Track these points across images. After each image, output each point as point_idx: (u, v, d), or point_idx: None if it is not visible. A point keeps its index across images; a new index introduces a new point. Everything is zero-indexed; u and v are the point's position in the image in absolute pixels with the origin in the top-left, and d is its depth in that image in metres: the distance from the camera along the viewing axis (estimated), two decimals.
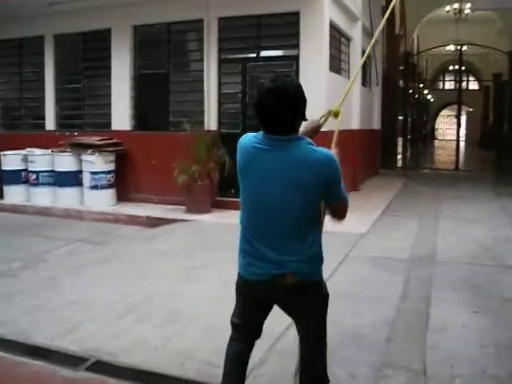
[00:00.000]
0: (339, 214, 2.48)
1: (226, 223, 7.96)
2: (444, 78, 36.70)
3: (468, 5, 19.09)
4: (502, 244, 6.82)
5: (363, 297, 4.80)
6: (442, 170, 17.52)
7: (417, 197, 11.02)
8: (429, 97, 33.93)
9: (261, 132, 2.40)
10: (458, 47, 23.13)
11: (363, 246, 6.71)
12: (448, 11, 19.78)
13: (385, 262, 5.95)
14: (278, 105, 2.28)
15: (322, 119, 2.99)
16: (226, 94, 9.20)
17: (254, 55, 9.02)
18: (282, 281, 2.37)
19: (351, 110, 11.02)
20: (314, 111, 8.23)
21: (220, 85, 9.17)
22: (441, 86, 37.27)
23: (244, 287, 2.54)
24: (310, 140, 2.39)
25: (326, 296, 2.58)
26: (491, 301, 4.64)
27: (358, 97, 11.33)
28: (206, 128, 9.09)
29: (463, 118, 39.51)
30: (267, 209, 2.37)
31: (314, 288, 2.48)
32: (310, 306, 2.50)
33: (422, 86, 27.21)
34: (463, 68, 31.31)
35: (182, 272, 5.61)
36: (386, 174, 15.01)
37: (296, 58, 8.64)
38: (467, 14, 19.75)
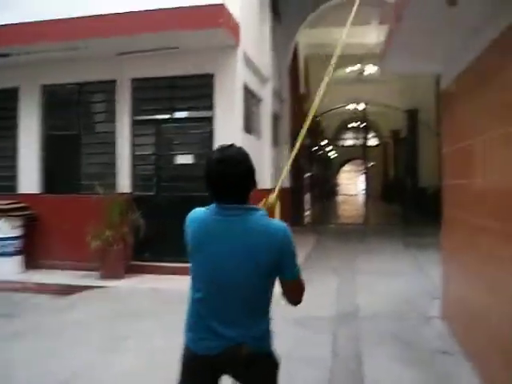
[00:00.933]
0: (295, 293, 2.49)
1: (143, 288, 7.87)
2: (345, 134, 38.66)
3: (368, 66, 20.56)
4: (419, 296, 7.23)
5: (294, 359, 4.86)
6: (351, 225, 18.25)
7: (331, 252, 11.42)
8: (331, 153, 35.54)
9: (212, 205, 2.43)
10: (360, 106, 24.72)
11: (286, 305, 6.82)
12: (349, 72, 21.16)
13: (310, 321, 6.10)
14: (230, 174, 2.34)
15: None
16: (140, 155, 9.22)
17: (168, 116, 9.13)
18: (236, 352, 2.37)
19: (263, 170, 11.34)
20: None
21: (133, 146, 9.18)
22: (342, 143, 39.15)
23: (194, 362, 2.49)
24: (264, 211, 2.44)
25: (278, 365, 2.62)
26: (420, 353, 4.90)
27: (269, 157, 11.73)
28: (118, 191, 9.00)
29: (364, 173, 41.64)
30: (222, 284, 2.37)
31: (267, 359, 2.52)
32: (263, 376, 2.53)
33: (324, 143, 28.50)
34: (364, 125, 33.34)
35: (105, 343, 5.44)
36: (296, 230, 15.38)
37: (210, 120, 8.85)
38: (368, 74, 21.21)
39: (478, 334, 4.60)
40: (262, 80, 11.29)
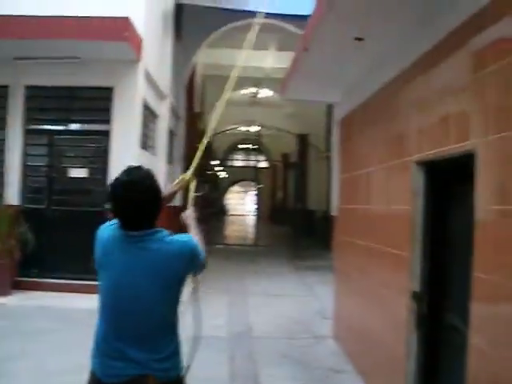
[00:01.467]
0: (201, 269, 2.59)
1: (31, 306, 7.55)
2: (236, 155, 39.21)
3: (263, 90, 21.18)
4: (310, 316, 7.55)
5: (194, 378, 4.89)
6: (241, 246, 18.54)
7: (222, 273, 11.55)
8: (221, 173, 35.90)
9: (118, 226, 2.38)
10: (253, 128, 25.33)
11: (182, 325, 6.86)
12: (244, 94, 21.64)
13: (206, 341, 6.14)
14: (138, 200, 2.29)
15: (177, 186, 3.28)
16: (32, 166, 8.86)
17: (63, 128, 8.88)
18: (142, 382, 2.30)
19: None
20: None
21: (24, 156, 8.81)
22: (233, 164, 39.67)
23: None
24: (166, 231, 2.41)
25: None
26: (315, 372, 5.14)
27: (163, 174, 11.71)
28: (6, 202, 8.58)
29: (254, 194, 42.44)
30: (127, 305, 2.34)
31: None
32: None
33: (215, 162, 28.77)
34: (255, 147, 34.04)
35: None
36: None
37: (107, 134, 8.72)
38: (262, 97, 21.81)
39: (368, 352, 4.93)
40: (161, 96, 11.30)
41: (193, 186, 3.28)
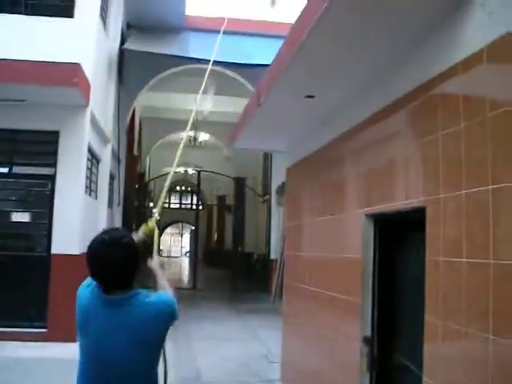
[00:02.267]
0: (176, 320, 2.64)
1: None
2: (171, 197, 39.18)
3: (200, 133, 21.55)
4: (257, 360, 7.70)
5: None
6: (179, 289, 18.45)
7: None
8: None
9: (95, 286, 2.44)
10: (189, 170, 25.53)
11: None
12: (182, 138, 21.90)
13: None
14: (114, 256, 2.34)
15: (143, 235, 3.05)
16: None
17: (6, 171, 8.81)
18: None
19: (97, 231, 11.20)
20: (68, 231, 8.32)
21: None
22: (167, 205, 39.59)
23: None
24: (146, 291, 2.50)
25: None
26: None
27: (104, 218, 11.70)
28: None
29: (187, 236, 42.36)
30: (109, 369, 2.38)
31: None
32: None
33: (151, 204, 28.66)
34: (189, 189, 34.15)
35: None
36: None
37: (52, 178, 8.74)
38: (200, 141, 22.15)
39: None
40: (104, 140, 11.39)
41: (156, 233, 3.17)
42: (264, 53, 13.48)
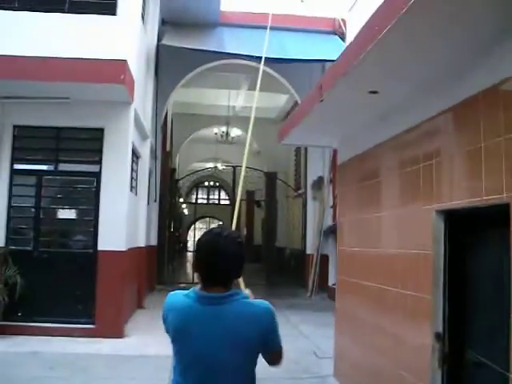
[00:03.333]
0: (277, 360, 2.61)
1: (20, 352, 7.50)
2: (199, 192, 39.40)
3: (232, 128, 21.64)
4: (306, 356, 7.76)
5: None
6: None
7: None
8: (185, 210, 35.97)
9: (193, 290, 2.48)
10: (219, 165, 25.64)
11: None
12: (216, 133, 22.04)
13: None
14: (227, 251, 2.39)
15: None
16: (18, 207, 8.89)
17: (52, 168, 8.98)
18: None
19: (138, 227, 11.40)
20: (114, 228, 8.38)
21: (11, 197, 8.82)
22: (196, 200, 39.83)
23: None
24: (245, 294, 2.50)
25: None
26: None
27: (144, 214, 11.87)
28: None
29: None
30: (208, 371, 2.39)
31: None
32: None
33: (181, 200, 28.91)
34: (218, 184, 34.31)
35: None
36: (159, 289, 15.44)
37: (97, 175, 8.86)
38: (233, 137, 22.23)
39: None
40: (144, 137, 11.53)
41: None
42: (298, 47, 13.51)
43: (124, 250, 8.79)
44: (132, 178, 10.81)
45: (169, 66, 13.79)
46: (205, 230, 2.57)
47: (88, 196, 8.92)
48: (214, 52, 12.91)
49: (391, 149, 5.18)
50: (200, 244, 2.47)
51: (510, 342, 3.20)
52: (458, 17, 3.21)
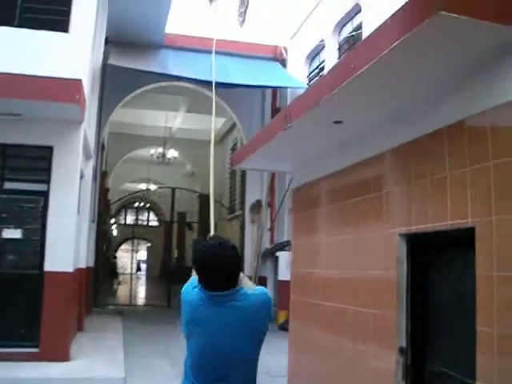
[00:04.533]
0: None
1: None
2: (127, 212, 38.87)
3: (171, 150, 21.72)
4: (258, 375, 7.90)
5: None
6: (150, 306, 18.39)
7: (147, 335, 11.63)
8: (113, 231, 35.42)
9: (200, 292, 2.71)
10: (151, 186, 25.55)
11: None
12: (152, 154, 22.01)
13: None
14: (227, 257, 2.66)
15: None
16: None
17: None
18: None
19: (80, 248, 11.26)
20: (61, 249, 8.25)
21: None
22: (124, 221, 39.27)
23: None
24: (243, 287, 2.76)
25: None
26: None
27: (85, 235, 11.76)
28: None
29: (144, 253, 42.03)
30: (218, 362, 2.65)
31: None
32: None
33: (111, 221, 28.52)
34: (148, 205, 33.98)
35: None
36: (96, 311, 15.23)
37: (45, 194, 8.75)
38: (169, 158, 22.29)
39: None
40: (87, 157, 11.48)
41: None
42: (242, 73, 13.89)
43: (71, 271, 8.73)
44: None
45: (111, 85, 13.80)
46: (198, 242, 2.88)
47: (35, 215, 8.80)
48: (160, 74, 13.09)
49: (354, 175, 5.54)
50: (201, 256, 2.72)
51: (475, 352, 3.57)
52: (429, 62, 3.64)
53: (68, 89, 8.06)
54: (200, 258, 2.72)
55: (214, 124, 6.62)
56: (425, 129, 4.24)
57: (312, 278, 6.50)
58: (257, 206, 16.15)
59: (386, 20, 3.46)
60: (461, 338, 4.00)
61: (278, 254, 14.44)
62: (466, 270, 3.90)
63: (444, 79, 3.90)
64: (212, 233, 3.73)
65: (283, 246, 13.91)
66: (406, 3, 3.30)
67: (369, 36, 3.75)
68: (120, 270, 37.66)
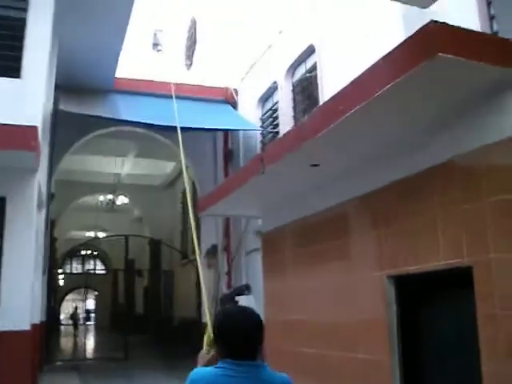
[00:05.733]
0: None
1: None
2: (72, 261, 37.72)
3: (120, 197, 21.28)
4: None
5: None
6: (105, 360, 17.61)
7: None
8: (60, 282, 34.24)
9: (219, 364, 2.50)
10: (99, 233, 24.91)
11: None
12: (102, 201, 21.50)
13: None
14: (252, 325, 2.51)
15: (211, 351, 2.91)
16: None
17: None
18: None
19: (34, 302, 10.70)
20: (17, 305, 7.74)
21: None
22: (69, 270, 38.08)
23: None
24: (267, 365, 2.59)
25: None
26: None
27: (39, 288, 11.21)
28: None
29: (91, 302, 40.71)
30: None
31: None
32: None
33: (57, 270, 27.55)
34: (95, 253, 33.09)
35: None
36: (48, 368, 14.45)
37: None
38: (119, 205, 21.81)
39: None
40: (40, 207, 11.02)
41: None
42: (193, 116, 13.79)
43: (28, 328, 8.22)
44: None
45: (61, 132, 13.44)
46: (222, 314, 2.61)
47: None
48: (110, 119, 12.83)
49: (333, 217, 5.46)
50: (226, 313, 2.56)
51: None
52: (420, 102, 3.65)
53: (23, 136, 7.72)
54: (222, 326, 2.55)
55: (183, 158, 6.27)
56: (413, 168, 4.23)
57: (292, 324, 6.31)
58: (213, 251, 15.87)
59: (378, 61, 3.44)
60: (460, 378, 3.92)
61: (237, 298, 14.13)
62: (462, 309, 3.85)
63: (433, 119, 3.91)
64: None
65: (242, 291, 13.62)
66: (399, 45, 3.29)
67: (359, 77, 3.71)
68: (65, 321, 36.30)
